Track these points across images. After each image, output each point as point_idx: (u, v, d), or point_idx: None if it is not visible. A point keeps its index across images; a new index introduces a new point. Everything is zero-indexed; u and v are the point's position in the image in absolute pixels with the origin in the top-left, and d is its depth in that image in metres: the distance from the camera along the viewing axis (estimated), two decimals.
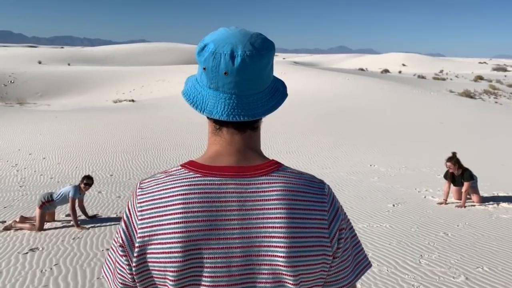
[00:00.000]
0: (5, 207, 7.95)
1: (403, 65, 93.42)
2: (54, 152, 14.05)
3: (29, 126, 18.82)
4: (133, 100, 32.10)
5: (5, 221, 6.65)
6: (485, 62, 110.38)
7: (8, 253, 5.13)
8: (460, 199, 6.92)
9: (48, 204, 6.29)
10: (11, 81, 39.12)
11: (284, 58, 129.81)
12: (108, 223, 6.31)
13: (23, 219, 6.35)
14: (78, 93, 38.18)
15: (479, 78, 57.08)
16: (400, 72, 71.34)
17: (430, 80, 52.38)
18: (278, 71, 37.43)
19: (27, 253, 5.11)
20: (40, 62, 63.06)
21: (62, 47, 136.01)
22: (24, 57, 71.48)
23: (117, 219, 6.56)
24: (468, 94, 37.50)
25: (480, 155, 12.96)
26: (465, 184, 6.78)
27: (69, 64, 63.88)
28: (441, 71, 73.37)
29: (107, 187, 9.55)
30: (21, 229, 6.12)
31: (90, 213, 6.83)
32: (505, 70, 75.83)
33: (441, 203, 7.03)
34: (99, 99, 34.76)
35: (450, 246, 4.87)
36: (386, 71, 67.99)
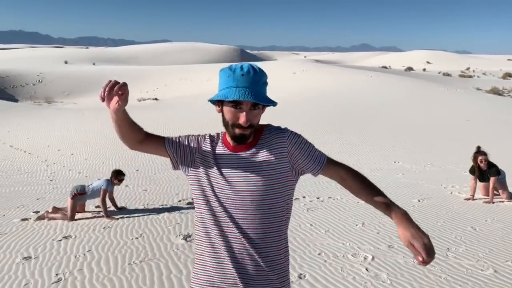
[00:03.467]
0: (37, 199, 8.27)
1: (428, 62, 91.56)
2: (81, 148, 14.45)
3: (57, 123, 19.40)
4: (156, 99, 32.62)
5: (38, 211, 6.93)
6: None
7: (43, 240, 5.36)
8: (488, 195, 6.81)
9: (79, 196, 6.52)
10: (39, 81, 40.34)
11: (305, 57, 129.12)
12: (136, 214, 6.49)
13: (55, 210, 6.60)
14: None
15: (508, 75, 55.42)
16: (424, 69, 69.98)
17: (456, 77, 51.19)
18: (299, 69, 37.38)
19: (61, 240, 5.31)
20: (66, 62, 64.74)
21: (87, 47, 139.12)
22: (51, 57, 73.56)
23: (144, 211, 6.74)
24: (496, 92, 36.49)
25: (508, 152, 12.65)
26: (492, 179, 6.66)
27: (94, 64, 65.34)
28: (468, 69, 71.57)
29: (133, 181, 9.78)
30: (53, 219, 6.36)
31: (118, 205, 7.03)
32: None
33: (468, 199, 6.92)
34: None
35: (478, 240, 4.81)
36: (410, 68, 66.79)
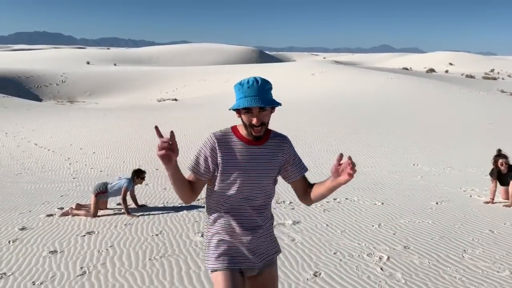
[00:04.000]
0: (61, 196, 8.56)
1: (450, 64, 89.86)
2: (102, 147, 14.79)
3: (79, 123, 19.88)
4: (176, 99, 33.03)
5: (62, 208, 7.18)
6: None
7: (68, 235, 5.57)
8: (508, 199, 6.73)
9: (102, 194, 6.73)
10: (62, 81, 41.33)
11: (324, 58, 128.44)
12: (156, 212, 6.66)
13: (79, 206, 6.83)
14: (124, 92, 39.76)
15: None
16: (447, 71, 68.75)
17: (479, 79, 50.17)
18: (318, 70, 37.26)
19: (84, 235, 5.52)
20: (88, 63, 66.10)
21: (108, 48, 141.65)
22: (74, 58, 75.20)
23: (164, 209, 6.92)
24: None
25: None
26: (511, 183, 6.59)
27: (115, 64, 66.52)
28: (492, 70, 69.98)
29: (153, 180, 9.99)
30: (77, 215, 6.59)
31: (139, 203, 7.23)
32: None
33: (487, 202, 6.86)
34: (144, 98, 36.04)
35: (496, 243, 4.79)
36: (432, 70, 65.73)
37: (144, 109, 25.89)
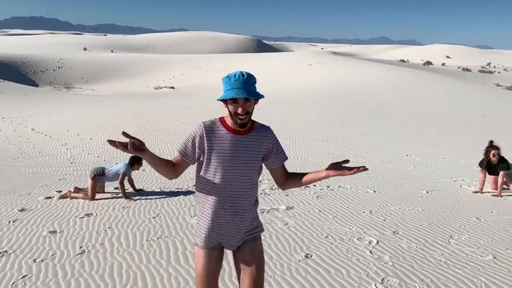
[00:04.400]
0: (59, 180, 8.67)
1: (447, 57, 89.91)
2: (100, 133, 14.86)
3: (76, 109, 19.89)
4: (173, 87, 33.00)
5: (61, 191, 7.30)
6: None
7: (67, 216, 5.70)
8: (497, 189, 6.91)
9: (99, 177, 6.85)
10: (59, 67, 41.11)
11: (322, 48, 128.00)
12: (153, 196, 6.80)
13: (77, 190, 6.95)
14: (121, 79, 39.63)
15: None
16: (443, 64, 68.84)
17: (475, 73, 50.30)
18: (315, 61, 37.24)
19: (83, 217, 5.65)
20: (85, 49, 65.62)
21: (105, 35, 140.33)
22: (71, 44, 74.60)
23: (161, 193, 7.05)
24: None
25: None
26: (501, 174, 6.77)
27: (112, 51, 66.07)
28: (488, 64, 70.14)
29: (150, 166, 10.11)
30: (75, 198, 6.71)
31: (136, 187, 7.35)
32: None
33: (476, 192, 7.04)
34: (140, 85, 35.97)
35: (482, 229, 4.97)
36: (429, 63, 65.79)
37: (141, 97, 25.88)
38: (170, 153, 11.85)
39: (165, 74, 40.36)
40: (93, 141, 13.91)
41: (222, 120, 2.34)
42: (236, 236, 2.36)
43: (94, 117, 17.70)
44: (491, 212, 5.74)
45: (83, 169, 10.05)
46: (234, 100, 2.20)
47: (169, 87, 33.07)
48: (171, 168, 2.34)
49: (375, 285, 3.51)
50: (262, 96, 2.24)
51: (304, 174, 2.39)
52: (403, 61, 65.69)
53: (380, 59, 65.33)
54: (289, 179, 2.45)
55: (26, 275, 3.86)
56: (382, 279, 3.61)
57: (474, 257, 4.11)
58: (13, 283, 3.72)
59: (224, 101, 2.24)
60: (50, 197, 6.85)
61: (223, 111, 2.40)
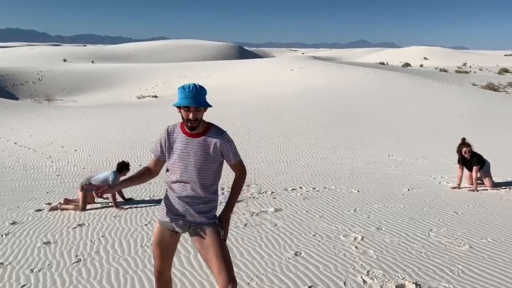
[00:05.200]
0: (47, 192, 8.70)
1: (425, 58, 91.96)
2: (84, 145, 14.83)
3: (59, 121, 19.75)
4: (156, 96, 32.97)
5: (50, 203, 7.36)
6: (511, 55, 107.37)
7: (60, 227, 5.79)
8: (473, 184, 7.26)
9: (87, 188, 6.94)
10: (39, 79, 40.61)
11: (303, 53, 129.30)
12: (143, 205, 6.92)
13: (67, 201, 7.03)
14: (103, 89, 39.36)
15: (504, 71, 55.95)
16: (421, 65, 70.39)
17: (452, 73, 51.65)
18: (297, 66, 37.70)
19: (75, 227, 5.75)
20: (65, 60, 64.90)
21: (84, 45, 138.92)
22: (50, 55, 73.69)
23: (151, 201, 7.18)
24: (492, 87, 36.98)
25: (499, 145, 13.13)
26: (474, 169, 7.12)
27: (92, 62, 65.50)
28: (465, 64, 72.04)
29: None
30: (66, 209, 6.79)
31: (126, 196, 7.46)
32: None
33: (454, 188, 7.38)
34: (123, 95, 35.80)
35: (459, 222, 5.26)
36: (407, 64, 67.21)
37: (124, 107, 25.81)
38: None
39: (147, 83, 40.28)
40: (78, 153, 13.89)
41: (181, 124, 2.77)
42: (188, 217, 2.73)
43: (77, 129, 17.63)
44: (468, 206, 6.05)
45: (70, 181, 10.07)
46: (187, 108, 2.60)
47: (152, 96, 33.04)
48: (148, 174, 2.88)
49: (361, 277, 3.74)
50: (210, 106, 2.66)
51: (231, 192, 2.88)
52: (383, 63, 66.97)
53: (360, 62, 66.43)
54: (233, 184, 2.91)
55: (25, 285, 3.97)
56: (368, 272, 3.84)
57: (451, 247, 4.38)
58: None
59: (178, 107, 2.65)
60: (40, 210, 6.91)
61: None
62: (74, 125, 18.48)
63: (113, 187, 2.76)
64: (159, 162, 2.86)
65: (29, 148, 14.71)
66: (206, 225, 2.73)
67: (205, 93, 2.67)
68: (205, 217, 2.75)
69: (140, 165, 11.73)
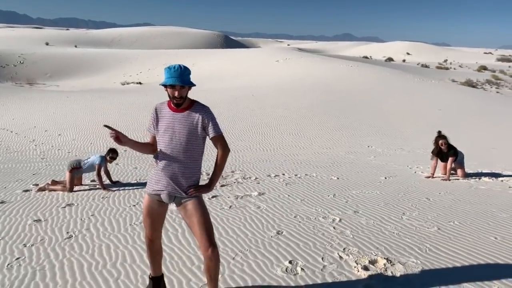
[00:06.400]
0: (33, 174, 8.78)
1: (408, 54, 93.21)
2: (68, 130, 14.81)
3: (42, 105, 19.56)
4: (140, 83, 32.76)
5: (37, 184, 7.47)
6: (490, 53, 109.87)
7: (49, 207, 5.95)
8: (446, 174, 7.68)
9: (76, 170, 7.09)
10: (20, 62, 39.78)
11: (288, 45, 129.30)
12: (130, 187, 7.11)
13: (55, 182, 7.16)
14: (86, 74, 38.83)
15: (483, 68, 57.28)
16: (404, 60, 71.40)
17: (433, 69, 52.62)
18: (282, 57, 37.90)
19: (65, 207, 5.91)
20: (47, 44, 63.50)
21: (67, 29, 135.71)
22: (31, 38, 71.94)
23: (138, 184, 7.37)
24: (470, 84, 37.94)
25: (474, 139, 13.69)
26: (450, 160, 7.54)
27: (76, 46, 64.27)
28: (446, 61, 73.40)
29: (123, 161, 10.34)
30: (54, 190, 6.93)
31: (113, 179, 7.62)
32: (509, 60, 75.73)
33: (428, 177, 7.79)
34: (107, 81, 35.43)
35: (430, 207, 5.64)
36: (390, 59, 68.11)
37: (108, 92, 25.63)
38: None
39: (132, 69, 39.90)
40: (62, 137, 13.89)
41: (168, 102, 3.01)
42: (172, 189, 2.96)
43: (61, 113, 17.53)
44: (439, 193, 6.45)
45: (56, 164, 10.14)
46: (172, 86, 2.85)
47: (137, 83, 32.81)
48: (150, 146, 3.10)
49: (338, 253, 4.05)
50: (194, 85, 2.92)
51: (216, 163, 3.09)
52: (366, 57, 67.68)
53: (345, 56, 67.02)
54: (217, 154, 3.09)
55: (19, 257, 4.15)
56: (344, 249, 4.16)
57: (421, 229, 4.74)
58: (8, 264, 4.01)
59: (165, 86, 2.90)
60: (28, 190, 7.02)
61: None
62: (58, 110, 18.35)
63: (121, 135, 2.87)
64: (155, 138, 3.10)
65: (11, 132, 14.61)
66: (188, 197, 2.97)
67: (189, 73, 2.90)
68: (188, 189, 2.99)
69: (125, 150, 11.86)
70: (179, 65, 2.85)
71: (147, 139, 3.17)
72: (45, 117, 16.87)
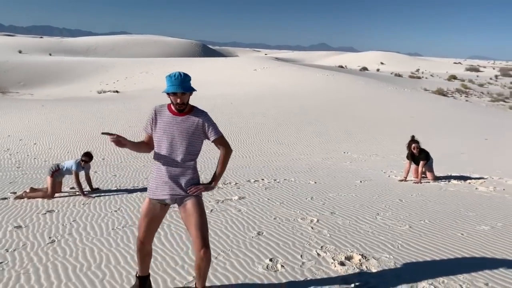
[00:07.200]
0: (10, 183, 8.66)
1: (382, 63, 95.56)
2: (44, 138, 14.60)
3: (16, 114, 19.19)
4: (117, 91, 32.49)
5: (15, 192, 7.41)
6: (459, 63, 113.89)
7: (29, 213, 5.94)
8: (418, 177, 8.04)
9: (57, 174, 7.08)
10: None
11: (266, 54, 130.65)
12: (110, 194, 7.14)
13: (33, 190, 7.12)
14: (61, 83, 38.22)
15: (453, 77, 59.34)
16: (378, 70, 73.19)
17: (406, 78, 54.19)
18: (260, 66, 38.33)
19: (45, 213, 5.91)
20: (20, 52, 62.11)
21: (41, 37, 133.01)
22: (3, 46, 70.17)
23: (118, 191, 7.41)
24: (441, 92, 39.30)
25: (444, 145, 14.25)
26: (421, 163, 7.91)
27: (50, 54, 63.08)
28: (417, 70, 75.63)
29: (102, 168, 10.32)
30: (33, 197, 6.88)
31: (93, 186, 7.63)
32: (477, 70, 78.75)
33: (401, 180, 8.14)
34: (82, 90, 34.97)
35: (402, 208, 5.94)
36: (365, 69, 69.70)
37: (85, 101, 25.33)
38: (120, 155, 12.08)
39: (108, 78, 39.51)
40: (37, 146, 13.68)
41: (168, 105, 3.16)
42: (173, 191, 3.08)
43: (36, 122, 17.25)
44: (411, 195, 6.77)
45: (32, 173, 10.02)
46: (174, 94, 3.00)
47: (114, 91, 32.53)
48: (145, 145, 3.22)
49: (316, 251, 4.25)
50: (194, 90, 3.04)
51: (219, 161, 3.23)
52: (342, 67, 69.06)
53: (321, 65, 68.16)
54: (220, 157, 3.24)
55: (2, 262, 4.17)
56: (321, 247, 4.36)
57: (394, 227, 5.01)
58: None
59: (168, 93, 3.04)
60: (5, 198, 6.96)
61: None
62: (33, 118, 18.04)
63: (121, 138, 2.98)
64: (151, 138, 3.20)
65: None
66: (189, 197, 3.09)
67: (190, 79, 3.04)
68: (189, 187, 3.11)
69: (103, 159, 11.82)
70: (179, 73, 2.98)
71: (141, 138, 3.27)
72: (20, 126, 16.57)
